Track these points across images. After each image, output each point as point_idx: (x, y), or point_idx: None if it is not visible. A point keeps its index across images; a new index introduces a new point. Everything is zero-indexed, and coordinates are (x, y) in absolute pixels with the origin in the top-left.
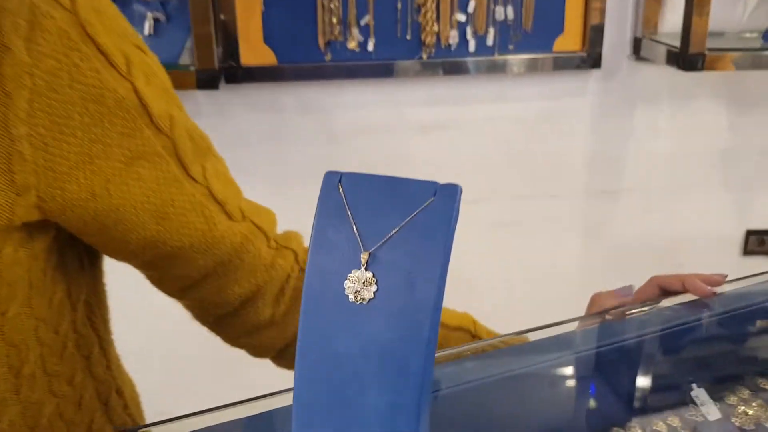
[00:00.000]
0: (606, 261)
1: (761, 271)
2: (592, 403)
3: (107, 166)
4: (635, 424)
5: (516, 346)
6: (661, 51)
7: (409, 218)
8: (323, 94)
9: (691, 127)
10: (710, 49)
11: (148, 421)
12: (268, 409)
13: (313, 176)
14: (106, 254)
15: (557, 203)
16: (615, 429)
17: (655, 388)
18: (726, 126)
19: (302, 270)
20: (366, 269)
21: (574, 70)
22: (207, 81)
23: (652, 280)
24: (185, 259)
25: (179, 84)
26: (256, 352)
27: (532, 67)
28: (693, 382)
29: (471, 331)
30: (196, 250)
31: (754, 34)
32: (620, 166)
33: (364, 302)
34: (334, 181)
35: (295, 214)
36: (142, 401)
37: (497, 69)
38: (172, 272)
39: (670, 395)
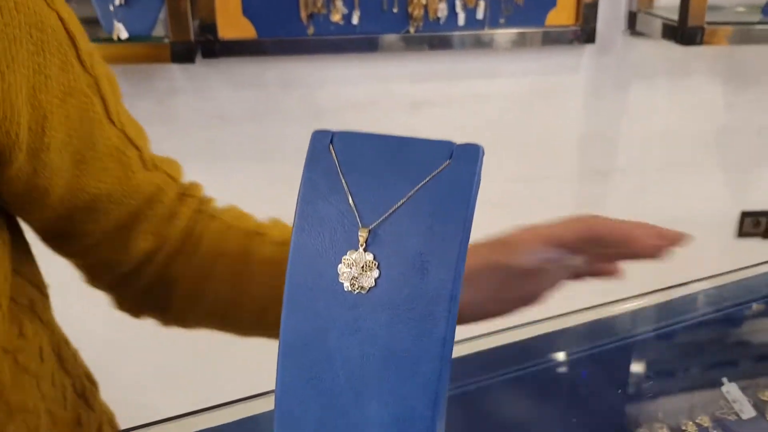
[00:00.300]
0: None
1: (756, 252)
2: (614, 402)
3: (47, 102)
4: (662, 424)
5: (526, 343)
6: (658, 25)
7: (418, 186)
8: (306, 69)
9: (687, 105)
10: (708, 23)
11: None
12: (248, 415)
13: (297, 154)
14: (19, 213)
15: (548, 184)
16: (640, 431)
17: (681, 385)
18: (722, 104)
19: (199, 217)
20: (365, 250)
21: (567, 45)
22: (182, 54)
23: (583, 220)
24: (100, 210)
25: (153, 57)
26: (166, 319)
27: (523, 42)
28: (723, 377)
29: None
30: (113, 199)
31: (752, 9)
32: (613, 145)
33: (363, 291)
34: (323, 142)
35: (278, 194)
36: None
37: (487, 44)
38: (85, 227)
39: (699, 392)
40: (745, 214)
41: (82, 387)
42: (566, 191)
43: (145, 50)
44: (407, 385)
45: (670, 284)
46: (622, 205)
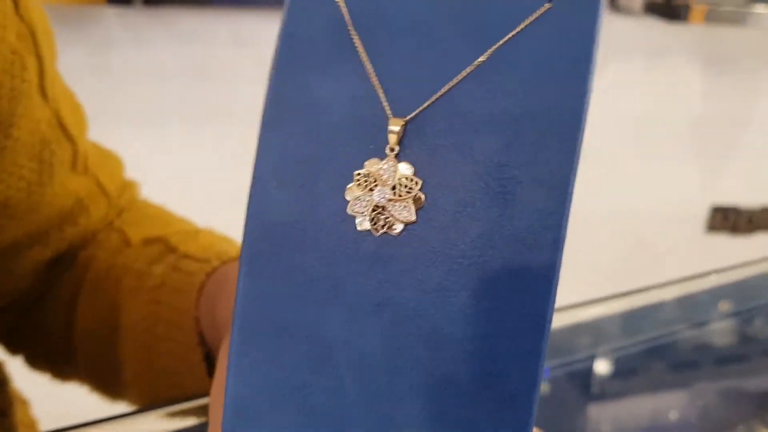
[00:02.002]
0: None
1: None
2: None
3: None
4: None
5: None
6: (640, 1)
7: (494, 47)
8: (260, 24)
9: (663, 89)
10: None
11: None
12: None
13: (248, 121)
14: None
15: None
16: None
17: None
18: (699, 90)
19: (128, 243)
20: (398, 158)
21: None
22: None
23: None
24: None
25: None
26: (33, 363)
27: None
28: None
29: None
30: (9, 212)
31: None
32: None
33: (394, 233)
34: None
35: (225, 166)
36: None
37: None
38: None
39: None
40: (715, 210)
41: None
42: None
43: None
44: (478, 406)
45: (640, 284)
46: (589, 191)
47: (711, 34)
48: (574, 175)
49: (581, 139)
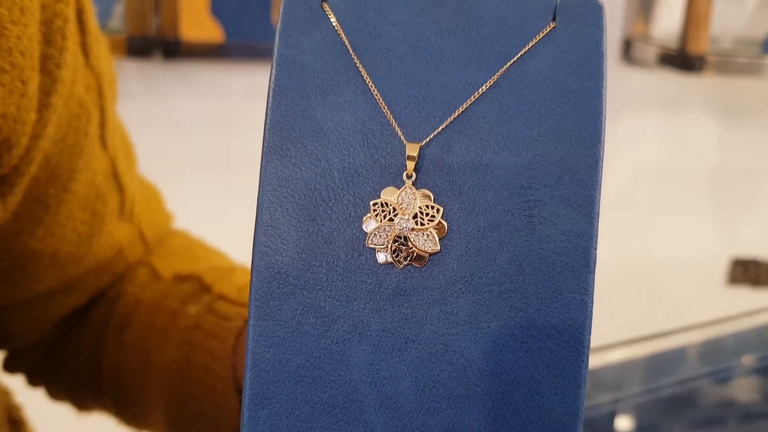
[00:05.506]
0: None
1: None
2: None
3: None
4: None
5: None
6: (654, 53)
7: (505, 68)
8: None
9: (679, 140)
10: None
11: None
12: None
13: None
14: None
15: None
16: None
17: None
18: (715, 141)
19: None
20: (416, 185)
21: None
22: (139, 47)
23: None
24: (27, 273)
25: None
26: (55, 392)
27: None
28: None
29: (203, 283)
30: (55, 263)
31: (745, 43)
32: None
33: (419, 265)
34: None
35: (238, 214)
36: None
37: None
38: None
39: None
40: (736, 263)
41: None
42: None
43: None
44: None
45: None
46: (606, 243)
47: (726, 85)
48: (599, 193)
49: (602, 158)
